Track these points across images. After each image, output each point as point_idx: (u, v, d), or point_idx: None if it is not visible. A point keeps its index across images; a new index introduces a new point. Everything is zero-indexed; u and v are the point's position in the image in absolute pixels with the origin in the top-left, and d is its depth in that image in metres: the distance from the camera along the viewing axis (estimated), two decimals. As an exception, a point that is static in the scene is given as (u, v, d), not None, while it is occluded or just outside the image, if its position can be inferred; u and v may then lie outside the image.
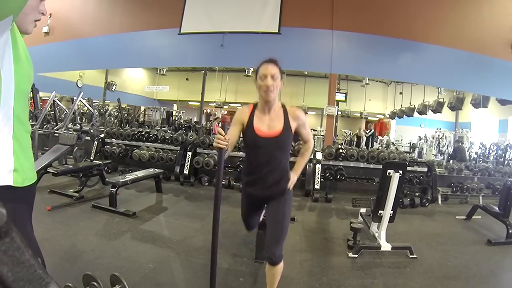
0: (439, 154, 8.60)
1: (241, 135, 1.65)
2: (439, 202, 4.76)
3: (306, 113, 12.96)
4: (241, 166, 4.75)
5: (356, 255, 2.54)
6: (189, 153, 4.87)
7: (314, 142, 8.51)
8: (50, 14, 8.37)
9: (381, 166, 3.11)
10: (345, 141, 11.07)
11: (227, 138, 1.37)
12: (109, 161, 4.89)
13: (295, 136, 1.69)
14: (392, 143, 10.21)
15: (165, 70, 10.68)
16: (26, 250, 0.44)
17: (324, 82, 7.67)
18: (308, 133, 1.74)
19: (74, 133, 4.50)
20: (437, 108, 8.22)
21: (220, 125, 1.52)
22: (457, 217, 4.01)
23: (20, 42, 0.89)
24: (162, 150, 5.21)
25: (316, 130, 10.78)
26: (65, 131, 4.76)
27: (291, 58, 6.52)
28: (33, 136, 5.43)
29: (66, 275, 1.78)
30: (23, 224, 0.97)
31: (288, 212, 1.66)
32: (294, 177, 1.69)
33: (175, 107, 13.84)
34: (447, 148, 8.42)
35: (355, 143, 10.30)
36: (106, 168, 4.55)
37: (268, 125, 1.59)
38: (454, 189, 4.85)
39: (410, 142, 10.59)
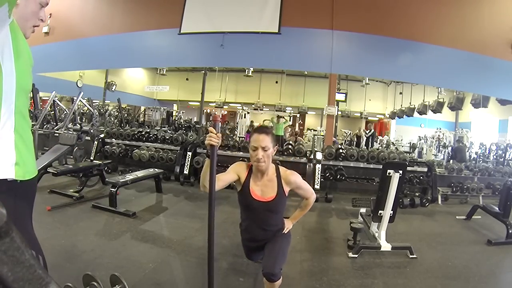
0: (439, 154, 8.60)
1: (237, 190, 1.73)
2: (439, 202, 4.76)
3: (306, 113, 12.99)
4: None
5: (356, 255, 2.54)
6: (189, 153, 4.87)
7: (314, 142, 8.52)
8: (50, 14, 8.37)
9: (381, 166, 3.11)
10: (345, 141, 11.07)
11: (219, 136, 1.39)
12: (109, 161, 4.89)
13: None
14: (392, 143, 10.21)
15: (165, 70, 10.67)
16: (26, 250, 0.44)
17: (324, 82, 7.67)
18: (306, 190, 1.79)
19: (74, 133, 4.50)
20: (437, 108, 8.22)
21: (211, 124, 1.58)
22: (457, 217, 4.01)
23: (21, 39, 0.91)
24: (162, 150, 5.21)
25: (316, 130, 10.78)
26: (65, 131, 4.76)
27: (291, 58, 6.52)
28: (33, 136, 5.43)
29: (66, 275, 1.78)
30: (23, 220, 0.99)
31: (286, 243, 1.72)
32: (289, 224, 1.85)
33: (175, 107, 13.84)
34: (446, 148, 8.42)
35: (355, 143, 10.30)
36: (106, 168, 4.54)
37: (261, 190, 1.67)
38: (454, 189, 4.85)
39: (410, 142, 10.59)
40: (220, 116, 9.51)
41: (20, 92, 0.90)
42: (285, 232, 1.78)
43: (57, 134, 5.03)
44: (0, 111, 0.84)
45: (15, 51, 0.86)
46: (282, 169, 1.72)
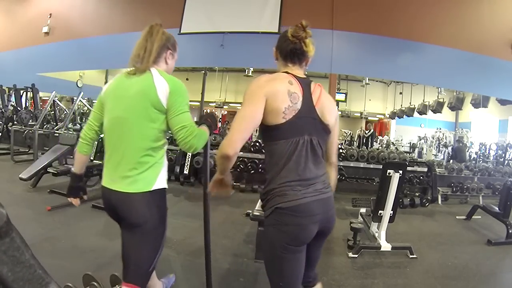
0: (439, 154, 8.60)
1: None
2: (439, 202, 4.76)
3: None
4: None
5: (356, 255, 2.54)
6: (189, 153, 4.87)
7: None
8: (50, 14, 8.38)
9: (381, 166, 3.11)
10: (345, 141, 11.07)
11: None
12: (109, 161, 4.89)
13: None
14: (392, 143, 10.20)
15: (165, 70, 10.66)
16: (26, 250, 0.44)
17: (324, 82, 7.66)
18: None
19: (74, 133, 4.50)
20: (437, 108, 8.22)
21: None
22: (457, 217, 4.02)
23: None
24: (162, 150, 5.21)
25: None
26: (65, 131, 4.76)
27: (291, 58, 6.52)
28: (33, 136, 5.44)
29: (66, 275, 1.78)
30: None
31: None
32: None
33: (175, 107, 13.83)
34: (447, 148, 8.42)
35: (355, 142, 10.30)
36: (106, 168, 4.54)
37: None
38: (454, 189, 4.85)
39: (410, 142, 10.59)
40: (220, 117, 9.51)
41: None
42: None
43: (57, 134, 5.03)
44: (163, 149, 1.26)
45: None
46: None
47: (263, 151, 1.30)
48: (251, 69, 8.62)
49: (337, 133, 1.25)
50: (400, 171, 2.63)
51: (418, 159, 7.11)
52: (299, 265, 1.09)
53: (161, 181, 1.23)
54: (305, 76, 1.20)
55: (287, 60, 1.20)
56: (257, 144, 4.98)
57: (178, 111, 1.19)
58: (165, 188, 1.26)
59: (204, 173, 1.41)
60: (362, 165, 4.97)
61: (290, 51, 1.17)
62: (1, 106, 6.69)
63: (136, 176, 1.17)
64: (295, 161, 1.06)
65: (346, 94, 10.05)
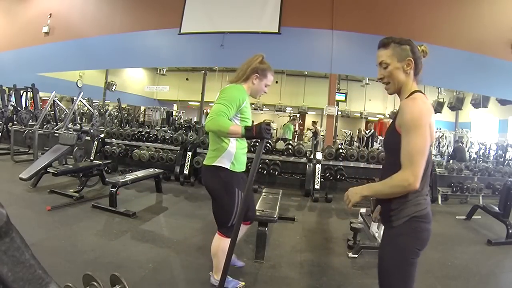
0: (439, 155, 8.60)
1: None
2: (439, 202, 4.76)
3: (306, 113, 13.00)
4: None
5: (356, 255, 2.54)
6: (189, 153, 4.87)
7: (314, 142, 8.51)
8: (50, 14, 8.38)
9: (381, 166, 3.11)
10: (345, 141, 11.08)
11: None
12: (109, 161, 4.89)
13: None
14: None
15: (165, 70, 10.67)
16: (26, 250, 0.45)
17: (324, 82, 7.67)
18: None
19: (74, 133, 4.50)
20: (437, 108, 8.23)
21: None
22: (457, 217, 4.01)
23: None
24: (162, 150, 5.21)
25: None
26: (65, 131, 4.76)
27: (291, 58, 6.53)
28: (33, 136, 5.44)
29: (66, 275, 1.78)
30: (238, 188, 1.72)
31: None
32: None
33: (175, 107, 13.83)
34: (447, 148, 8.42)
35: (355, 142, 10.29)
36: (106, 168, 4.54)
37: None
38: (454, 189, 4.85)
39: (410, 142, 10.56)
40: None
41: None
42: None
43: (57, 134, 5.03)
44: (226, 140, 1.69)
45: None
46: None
47: (386, 162, 1.33)
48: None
49: None
50: (400, 171, 2.62)
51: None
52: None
53: (221, 161, 1.70)
54: None
55: (417, 76, 1.20)
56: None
57: (214, 103, 1.63)
58: (226, 168, 1.70)
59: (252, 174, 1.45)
60: (362, 165, 4.97)
61: (420, 70, 1.21)
62: (1, 106, 6.69)
63: (208, 154, 1.76)
64: (426, 174, 1.10)
65: (346, 94, 10.05)
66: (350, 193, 1.25)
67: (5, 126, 6.48)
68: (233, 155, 1.72)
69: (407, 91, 1.17)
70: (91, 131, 5.27)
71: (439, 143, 8.88)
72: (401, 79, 1.17)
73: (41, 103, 7.38)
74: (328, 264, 2.41)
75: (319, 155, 4.75)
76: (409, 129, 1.03)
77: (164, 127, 9.02)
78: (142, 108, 12.27)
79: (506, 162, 6.81)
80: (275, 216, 2.34)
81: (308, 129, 13.03)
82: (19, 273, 0.45)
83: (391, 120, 1.21)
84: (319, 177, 4.56)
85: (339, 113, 10.05)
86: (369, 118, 12.47)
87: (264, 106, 11.92)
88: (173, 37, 7.03)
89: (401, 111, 1.10)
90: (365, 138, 9.86)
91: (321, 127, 10.49)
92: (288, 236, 2.93)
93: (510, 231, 3.11)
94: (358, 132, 11.15)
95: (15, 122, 6.33)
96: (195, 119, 11.64)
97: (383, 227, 2.82)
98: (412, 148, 1.02)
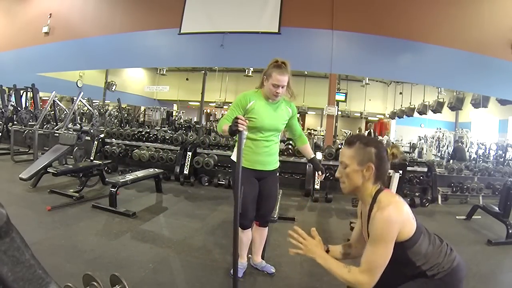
0: (439, 155, 8.60)
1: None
2: (439, 202, 4.76)
3: (306, 113, 13.00)
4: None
5: (356, 255, 2.53)
6: (189, 153, 4.87)
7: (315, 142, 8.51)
8: (50, 14, 8.38)
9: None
10: (345, 141, 11.09)
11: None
12: (109, 161, 4.89)
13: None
14: (392, 143, 10.19)
15: (165, 70, 10.66)
16: (26, 250, 0.44)
17: (324, 82, 7.67)
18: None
19: (74, 133, 4.50)
20: (437, 108, 8.22)
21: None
22: (457, 217, 4.01)
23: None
24: (162, 150, 5.21)
25: (316, 130, 10.78)
26: (65, 131, 4.76)
27: (291, 58, 6.40)
28: (33, 136, 5.44)
29: (66, 275, 1.78)
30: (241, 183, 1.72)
31: None
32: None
33: (175, 107, 13.83)
34: (447, 148, 8.42)
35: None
36: (106, 168, 4.55)
37: None
38: (454, 189, 4.85)
39: (410, 142, 10.58)
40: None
41: (253, 130, 1.89)
42: None
43: (57, 134, 5.03)
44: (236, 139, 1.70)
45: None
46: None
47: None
48: (251, 69, 8.61)
49: None
50: (400, 171, 2.63)
51: (418, 159, 7.12)
52: None
53: (233, 156, 1.91)
54: None
55: (378, 181, 1.17)
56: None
57: None
58: (234, 162, 1.85)
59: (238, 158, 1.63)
60: (362, 165, 4.97)
61: (385, 175, 1.20)
62: (1, 106, 6.69)
63: None
64: (434, 252, 1.20)
65: (346, 94, 10.04)
66: (307, 247, 1.28)
67: (5, 126, 6.48)
68: (243, 150, 1.86)
69: (367, 195, 1.17)
70: (91, 131, 5.27)
71: (439, 143, 8.88)
72: (356, 182, 1.16)
73: (41, 103, 7.38)
74: (328, 264, 2.40)
75: (319, 155, 4.75)
76: (376, 241, 1.08)
77: (164, 127, 9.02)
78: (142, 108, 12.27)
79: (506, 162, 6.80)
80: (275, 216, 2.34)
81: (308, 129, 13.04)
82: (19, 273, 0.45)
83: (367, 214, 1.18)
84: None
85: (339, 113, 10.05)
86: (369, 118, 12.47)
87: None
88: (173, 37, 7.03)
89: (373, 220, 1.10)
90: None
91: (321, 127, 10.49)
92: (288, 236, 2.93)
93: (510, 231, 3.11)
94: (359, 131, 11.17)
95: (15, 122, 6.33)
96: (195, 119, 11.64)
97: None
98: (375, 260, 1.07)
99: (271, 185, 2.00)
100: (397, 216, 1.08)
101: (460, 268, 1.16)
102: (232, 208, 1.97)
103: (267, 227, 2.09)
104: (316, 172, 2.00)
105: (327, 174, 4.81)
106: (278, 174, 2.10)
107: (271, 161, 1.98)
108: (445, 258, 1.15)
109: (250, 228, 2.05)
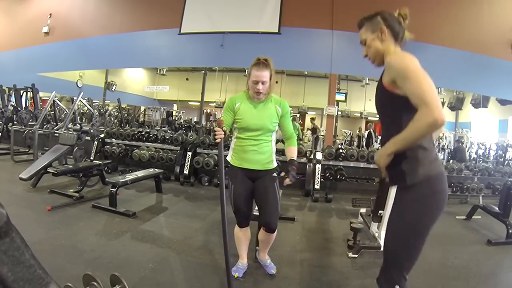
0: (439, 155, 8.59)
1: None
2: (439, 202, 4.76)
3: (306, 113, 13.01)
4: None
5: (356, 255, 2.54)
6: (189, 153, 4.87)
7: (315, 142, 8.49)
8: (50, 14, 8.38)
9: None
10: (345, 141, 11.08)
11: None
12: (109, 161, 4.89)
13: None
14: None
15: (165, 70, 10.66)
16: (26, 250, 0.44)
17: (324, 82, 7.67)
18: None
19: (74, 133, 4.50)
20: (437, 108, 8.22)
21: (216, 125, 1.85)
22: (457, 217, 4.01)
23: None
24: (162, 150, 5.21)
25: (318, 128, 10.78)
26: (65, 131, 4.76)
27: (291, 58, 6.52)
28: (33, 136, 5.44)
29: (66, 275, 1.78)
30: (232, 181, 1.96)
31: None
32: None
33: (175, 107, 13.83)
34: (447, 148, 8.41)
35: (354, 142, 10.28)
36: (106, 168, 4.54)
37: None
38: (454, 189, 4.85)
39: (410, 142, 10.57)
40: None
41: (241, 130, 1.96)
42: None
43: (57, 134, 5.03)
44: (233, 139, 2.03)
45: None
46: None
47: (384, 126, 1.28)
48: (251, 69, 8.61)
49: None
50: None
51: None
52: None
53: (228, 154, 2.03)
54: None
55: (398, 39, 1.23)
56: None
57: None
58: (228, 161, 2.00)
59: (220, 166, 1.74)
60: (362, 165, 4.97)
61: (402, 33, 1.23)
62: (1, 106, 6.69)
63: None
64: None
65: (346, 94, 10.05)
66: (377, 159, 1.18)
67: (5, 126, 6.48)
68: (233, 150, 2.00)
69: (393, 54, 1.20)
70: (91, 131, 5.27)
71: (439, 143, 8.88)
72: (378, 47, 1.24)
73: (41, 103, 7.38)
74: (328, 264, 2.41)
75: (319, 155, 4.75)
76: (407, 75, 1.04)
77: (164, 127, 9.02)
78: (142, 108, 12.27)
79: (506, 162, 6.81)
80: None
81: (308, 129, 13.03)
82: (19, 273, 0.45)
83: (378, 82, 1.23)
84: (319, 177, 4.56)
85: (339, 113, 10.05)
86: (369, 118, 12.47)
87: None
88: (173, 37, 7.03)
89: (389, 66, 1.11)
90: (363, 137, 9.88)
91: (321, 127, 10.49)
92: (288, 236, 2.93)
93: (510, 231, 3.11)
94: (359, 131, 11.17)
95: (15, 122, 6.33)
96: (195, 119, 11.64)
97: (384, 225, 2.81)
98: (420, 87, 1.01)
99: (266, 185, 1.95)
100: (412, 58, 1.11)
101: (445, 180, 1.19)
102: (231, 208, 1.98)
103: (275, 233, 2.04)
104: (286, 175, 1.85)
105: (326, 174, 4.83)
106: (277, 174, 2.04)
107: (260, 160, 1.94)
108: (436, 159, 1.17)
109: (247, 227, 2.05)
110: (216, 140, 1.71)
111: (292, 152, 1.97)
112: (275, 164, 2.02)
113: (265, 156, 1.96)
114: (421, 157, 1.11)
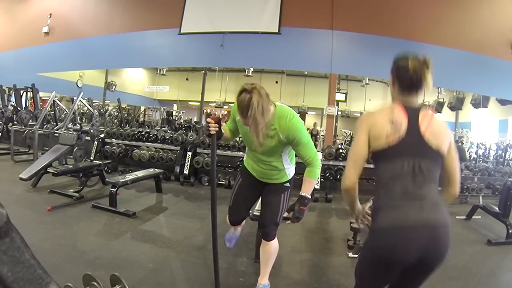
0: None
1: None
2: (439, 202, 4.76)
3: (306, 113, 13.01)
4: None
5: (356, 255, 2.53)
6: (189, 153, 4.87)
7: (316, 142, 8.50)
8: (50, 14, 8.38)
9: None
10: (345, 141, 11.07)
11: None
12: (109, 161, 4.89)
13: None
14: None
15: (165, 70, 10.66)
16: (26, 250, 0.44)
17: (324, 82, 7.67)
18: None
19: (74, 133, 4.50)
20: (437, 108, 8.23)
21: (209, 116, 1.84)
22: (457, 217, 4.01)
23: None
24: (162, 150, 5.21)
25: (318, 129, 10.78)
26: (65, 131, 4.76)
27: (291, 58, 6.52)
28: (33, 136, 5.44)
29: (66, 275, 1.78)
30: (241, 177, 1.96)
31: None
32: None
33: (175, 107, 13.83)
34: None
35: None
36: (106, 168, 4.54)
37: None
38: (454, 189, 4.84)
39: (410, 142, 10.57)
40: (221, 116, 9.54)
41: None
42: None
43: (57, 134, 5.03)
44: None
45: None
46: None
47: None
48: (251, 69, 8.62)
49: (455, 158, 1.26)
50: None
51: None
52: None
53: (245, 155, 1.98)
54: (419, 104, 1.22)
55: (404, 89, 1.19)
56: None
57: None
58: (242, 160, 2.04)
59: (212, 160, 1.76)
60: (362, 165, 4.97)
61: (410, 81, 1.15)
62: (1, 106, 6.69)
63: None
64: (390, 174, 1.24)
65: (346, 94, 10.05)
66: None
67: (5, 126, 6.48)
68: (246, 154, 1.97)
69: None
70: (91, 131, 5.27)
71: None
72: (392, 95, 1.28)
73: (41, 103, 7.38)
74: (328, 264, 2.41)
75: (319, 155, 4.75)
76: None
77: (164, 127, 9.02)
78: (142, 108, 12.27)
79: (506, 162, 6.81)
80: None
81: (307, 129, 13.02)
82: (19, 273, 0.45)
83: None
84: (319, 177, 4.56)
85: (339, 113, 10.05)
86: (369, 118, 12.45)
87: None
88: (173, 37, 7.03)
89: None
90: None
91: (321, 127, 10.49)
92: (288, 236, 2.93)
93: (510, 231, 3.11)
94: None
95: (15, 122, 6.32)
96: (195, 119, 11.64)
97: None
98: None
99: (274, 190, 1.83)
100: (370, 113, 1.25)
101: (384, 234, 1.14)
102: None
103: (271, 243, 1.81)
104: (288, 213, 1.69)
105: (326, 174, 4.83)
106: (287, 185, 1.88)
107: (270, 176, 1.81)
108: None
109: (237, 226, 2.03)
110: (211, 132, 1.66)
111: (306, 186, 1.67)
112: (289, 177, 1.87)
113: (275, 172, 1.80)
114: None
